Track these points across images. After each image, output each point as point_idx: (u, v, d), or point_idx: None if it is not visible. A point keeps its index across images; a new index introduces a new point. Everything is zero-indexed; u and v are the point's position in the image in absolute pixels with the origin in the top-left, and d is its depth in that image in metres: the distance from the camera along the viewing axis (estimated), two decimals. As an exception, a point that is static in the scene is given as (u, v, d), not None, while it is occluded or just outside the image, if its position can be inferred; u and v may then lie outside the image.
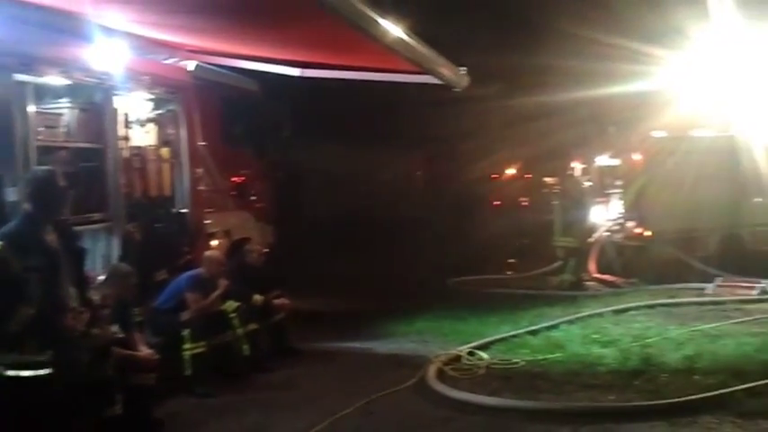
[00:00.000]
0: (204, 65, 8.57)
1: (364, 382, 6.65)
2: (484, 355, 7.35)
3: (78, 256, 4.48)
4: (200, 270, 7.07)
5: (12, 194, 5.34)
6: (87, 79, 6.43)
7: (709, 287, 10.89)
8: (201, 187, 8.32)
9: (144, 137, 7.65)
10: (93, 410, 4.59)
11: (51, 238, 4.13)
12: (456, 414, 5.78)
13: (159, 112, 7.85)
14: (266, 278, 8.09)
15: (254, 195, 10.02)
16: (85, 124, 6.55)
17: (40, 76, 5.87)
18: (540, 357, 7.22)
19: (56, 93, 6.36)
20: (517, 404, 5.84)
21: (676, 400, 5.64)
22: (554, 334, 8.24)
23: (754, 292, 10.38)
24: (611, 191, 13.44)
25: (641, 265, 12.34)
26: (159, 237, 7.51)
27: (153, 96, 7.64)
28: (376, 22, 5.54)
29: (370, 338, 8.65)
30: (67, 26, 5.97)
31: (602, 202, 13.38)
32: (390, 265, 13.93)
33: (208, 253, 7.45)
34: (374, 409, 5.97)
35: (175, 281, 7.02)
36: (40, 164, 5.48)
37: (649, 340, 7.63)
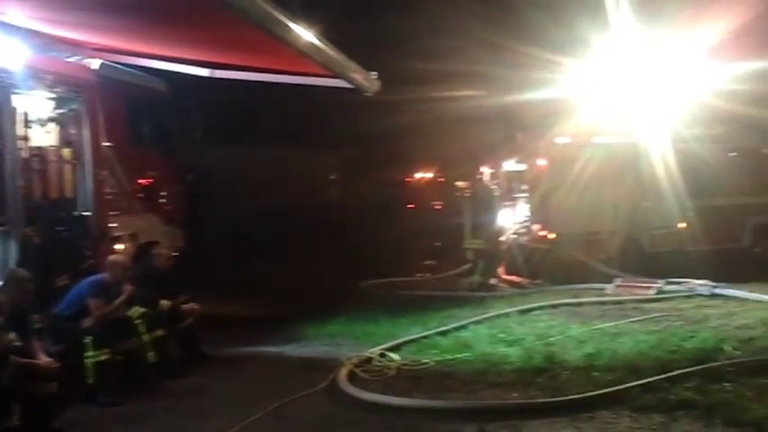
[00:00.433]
0: (109, 63, 8.34)
1: (275, 387, 6.62)
2: (395, 356, 7.44)
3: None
4: (103, 275, 6.86)
5: None
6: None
7: (610, 287, 11.38)
8: (106, 189, 8.09)
9: (45, 137, 7.38)
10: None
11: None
12: (366, 416, 5.83)
13: (61, 111, 7.59)
14: (174, 282, 7.92)
15: (162, 198, 9.80)
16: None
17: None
18: (449, 357, 7.36)
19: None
20: (425, 404, 5.94)
21: (576, 396, 5.86)
22: (463, 334, 8.43)
23: (651, 291, 10.91)
24: (518, 195, 13.92)
25: (546, 266, 12.81)
26: (60, 241, 7.27)
27: (54, 95, 7.38)
28: (287, 26, 5.54)
29: (282, 342, 8.61)
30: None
31: (510, 206, 13.83)
32: (304, 268, 13.89)
33: (112, 257, 7.24)
34: (285, 413, 5.95)
35: (77, 286, 6.79)
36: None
37: (552, 339, 7.90)
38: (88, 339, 6.39)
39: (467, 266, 13.29)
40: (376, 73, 7.22)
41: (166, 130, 9.99)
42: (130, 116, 9.05)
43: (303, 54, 5.94)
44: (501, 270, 13.13)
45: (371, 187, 23.96)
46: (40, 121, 7.25)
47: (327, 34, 6.34)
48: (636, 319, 9.02)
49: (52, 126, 7.48)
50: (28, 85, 6.69)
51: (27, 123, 7.01)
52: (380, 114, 18.05)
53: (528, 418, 5.52)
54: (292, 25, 5.58)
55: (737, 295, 10.24)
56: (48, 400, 5.37)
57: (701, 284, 10.75)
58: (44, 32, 6.67)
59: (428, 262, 15.86)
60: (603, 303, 10.33)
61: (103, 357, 6.40)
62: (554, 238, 13.10)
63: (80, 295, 6.67)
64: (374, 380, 6.76)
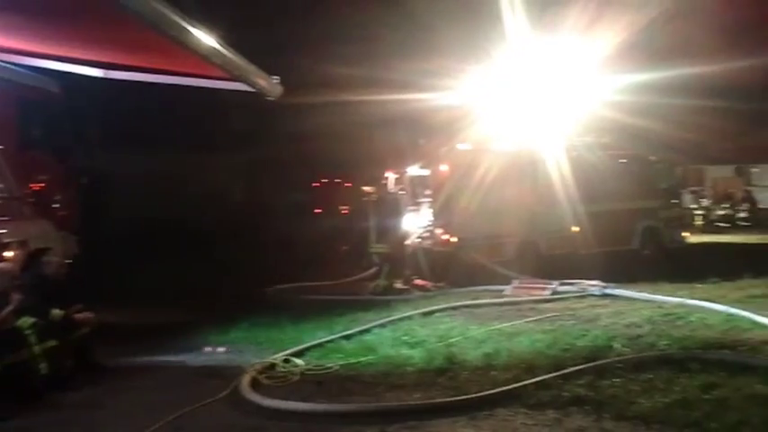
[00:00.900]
0: (-2, 63, 7.94)
1: (175, 397, 6.46)
2: (299, 361, 7.42)
3: None
4: (-11, 284, 6.52)
5: None
6: None
7: (508, 289, 11.78)
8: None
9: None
10: None
11: None
12: (268, 422, 5.79)
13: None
14: (67, 291, 7.61)
15: (55, 203, 9.40)
16: None
17: None
18: (353, 361, 7.41)
19: None
20: (327, 408, 5.97)
21: (475, 395, 6.04)
22: (367, 337, 8.51)
23: (547, 292, 11.38)
24: (422, 200, 14.17)
25: (449, 269, 13.11)
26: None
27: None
28: (186, 29, 5.45)
29: (183, 351, 8.41)
30: None
31: (414, 211, 14.06)
32: (207, 274, 13.63)
33: (-1, 265, 6.89)
34: (183, 423, 5.82)
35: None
36: None
37: (453, 340, 8.10)
38: (-27, 352, 6.06)
39: (372, 270, 13.40)
40: (278, 77, 7.20)
41: (60, 133, 9.58)
42: (21, 118, 8.64)
43: (202, 57, 5.86)
44: (406, 273, 13.32)
45: (278, 191, 23.73)
46: None
47: (232, 38, 6.28)
48: (532, 319, 9.37)
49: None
50: None
51: None
52: (288, 118, 17.99)
53: (429, 419, 5.64)
54: (191, 28, 5.49)
55: (626, 295, 10.83)
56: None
57: (592, 285, 11.30)
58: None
59: (335, 266, 15.88)
60: (502, 304, 10.67)
61: (-10, 370, 6.09)
62: (456, 242, 13.42)
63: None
64: (277, 386, 6.72)
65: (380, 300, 11.61)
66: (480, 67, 15.19)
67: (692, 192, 28.09)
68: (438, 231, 13.67)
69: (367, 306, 10.86)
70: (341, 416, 5.81)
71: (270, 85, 7.14)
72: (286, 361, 7.40)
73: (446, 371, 6.89)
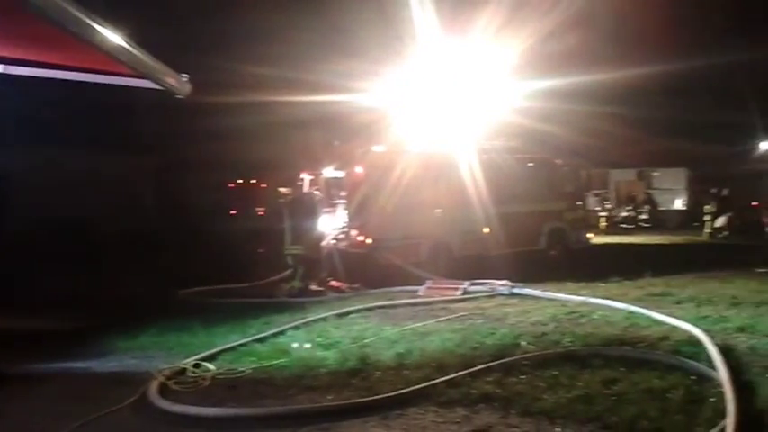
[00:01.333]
0: None
1: (79, 404, 6.24)
2: (210, 366, 7.29)
3: None
4: None
5: None
6: None
7: (421, 289, 11.97)
8: None
9: None
10: None
11: None
12: (176, 429, 5.69)
13: None
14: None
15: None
16: None
17: None
18: (266, 364, 7.35)
19: None
20: (237, 412, 5.90)
21: (387, 395, 6.12)
22: (281, 340, 8.45)
23: (458, 292, 11.64)
24: (337, 201, 14.21)
25: (364, 270, 13.21)
26: None
27: None
28: (92, 27, 5.27)
29: (89, 357, 8.10)
30: None
31: (330, 212, 14.08)
32: (116, 278, 13.19)
33: None
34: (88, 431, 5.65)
35: None
36: None
37: (366, 340, 8.17)
38: None
39: (287, 272, 13.32)
40: (187, 75, 7.05)
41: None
42: None
43: (108, 54, 5.68)
44: (321, 275, 13.31)
45: (193, 192, 23.26)
46: None
47: (142, 35, 6.12)
48: (443, 318, 9.58)
49: None
50: None
51: None
52: (203, 118, 17.68)
53: (341, 419, 5.68)
54: (97, 26, 5.32)
55: (533, 294, 11.22)
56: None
57: (501, 285, 11.64)
58: None
59: (250, 269, 15.67)
60: (414, 305, 10.84)
61: None
62: (371, 244, 13.54)
63: None
64: (187, 391, 6.59)
65: (295, 302, 11.55)
66: (395, 70, 15.39)
67: (596, 194, 29.34)
68: (353, 233, 13.75)
69: (281, 308, 10.78)
70: (252, 420, 5.77)
71: (179, 83, 6.99)
72: (197, 366, 7.26)
73: (359, 371, 6.94)
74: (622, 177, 33.08)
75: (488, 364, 6.83)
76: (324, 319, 9.61)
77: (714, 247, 22.39)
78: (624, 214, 30.59)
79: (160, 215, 20.99)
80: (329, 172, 14.54)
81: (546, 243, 16.59)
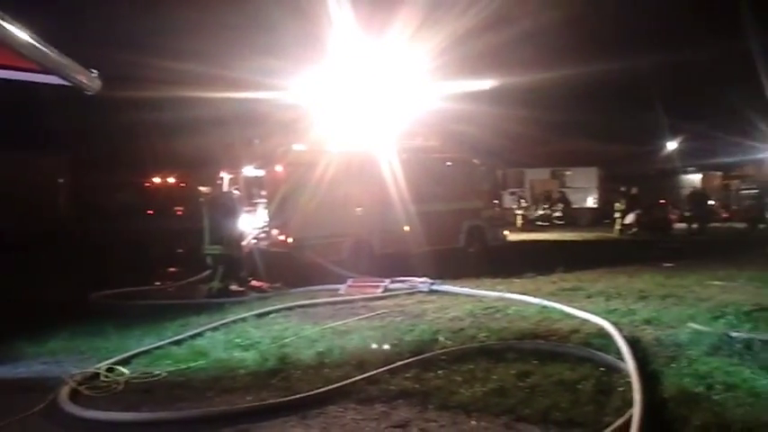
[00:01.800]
0: None
1: (-16, 413, 5.97)
2: (124, 370, 7.10)
3: None
4: None
5: None
6: None
7: (343, 288, 11.99)
8: None
9: None
10: None
11: None
12: (88, 435, 5.54)
13: None
14: None
15: None
16: None
17: None
18: (183, 367, 7.21)
19: None
20: (152, 416, 5.78)
21: (306, 394, 6.12)
22: (198, 342, 8.29)
23: (379, 290, 11.71)
24: (257, 200, 14.07)
25: (285, 270, 13.12)
26: None
27: None
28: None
29: (-6, 364, 7.76)
30: None
31: (250, 211, 13.92)
32: (25, 282, 12.64)
33: None
34: (-8, 441, 5.42)
35: None
36: None
37: (286, 340, 8.12)
38: None
39: (206, 273, 13.09)
40: (96, 71, 6.83)
41: None
42: None
43: (14, 49, 5.47)
44: (242, 275, 13.14)
45: (107, 192, 22.56)
46: None
47: (50, 31, 5.89)
48: (363, 316, 9.62)
49: None
50: None
51: None
52: (118, 114, 17.16)
53: (259, 420, 5.64)
54: (3, 22, 5.10)
55: (451, 291, 11.41)
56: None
57: (421, 282, 11.79)
58: None
59: (168, 269, 15.33)
60: (335, 303, 10.83)
61: None
62: (292, 243, 13.47)
63: None
64: (100, 396, 6.39)
65: (214, 303, 11.35)
66: (315, 68, 15.35)
67: (512, 193, 30.15)
68: (274, 232, 13.65)
69: (199, 310, 10.55)
70: (167, 424, 5.66)
71: (88, 79, 6.77)
72: (110, 370, 7.05)
73: (279, 371, 6.89)
74: (537, 176, 34.13)
75: (407, 361, 6.92)
76: (243, 319, 9.48)
77: (623, 243, 23.42)
78: (540, 212, 31.54)
79: (73, 215, 20.26)
80: (249, 170, 14.38)
81: (465, 241, 16.92)
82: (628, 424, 5.02)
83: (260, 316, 9.75)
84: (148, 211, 24.96)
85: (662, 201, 27.69)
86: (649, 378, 6.11)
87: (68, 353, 8.11)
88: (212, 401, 6.22)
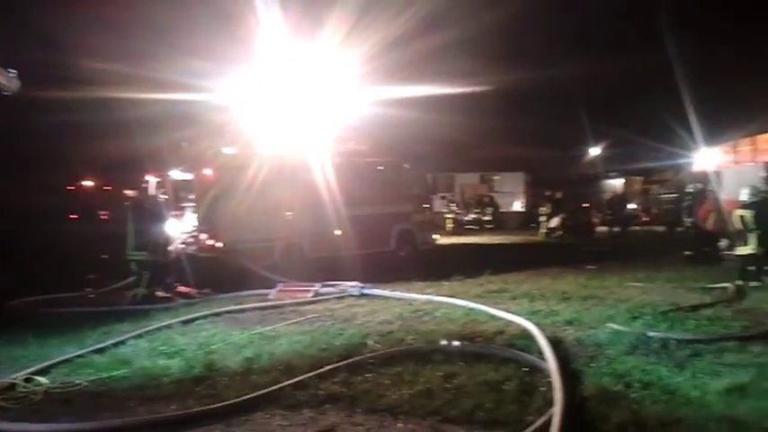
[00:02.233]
0: None
1: None
2: (43, 380, 6.87)
3: None
4: None
5: None
6: None
7: (273, 293, 11.90)
8: None
9: None
10: None
11: None
12: (2, 448, 5.33)
13: None
14: None
15: None
16: None
17: None
18: (105, 376, 7.03)
19: None
20: (69, 428, 5.60)
21: (231, 401, 6.04)
22: (121, 350, 8.10)
23: (309, 294, 11.69)
24: (185, 204, 13.82)
25: (214, 275, 12.92)
26: None
27: None
28: None
29: None
30: None
31: (177, 216, 13.65)
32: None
33: None
34: None
35: None
36: None
37: (213, 347, 8.02)
38: None
39: (131, 279, 12.75)
40: (15, 71, 6.60)
41: None
42: None
43: None
44: (168, 281, 12.88)
45: (26, 195, 21.71)
46: None
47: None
48: (293, 321, 9.58)
49: None
50: None
51: None
52: (37, 115, 16.58)
53: (183, 429, 5.55)
54: None
55: (381, 294, 11.50)
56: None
57: (351, 286, 11.83)
58: None
59: (91, 276, 14.85)
60: (264, 309, 10.75)
61: None
62: (221, 247, 13.28)
63: None
64: (17, 407, 6.16)
65: (139, 309, 11.09)
66: (245, 71, 15.20)
67: (443, 197, 30.58)
68: (202, 236, 13.44)
69: (123, 317, 10.31)
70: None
71: (6, 79, 6.54)
72: (28, 380, 6.81)
73: (205, 379, 6.80)
74: (467, 181, 34.72)
75: (336, 365, 6.93)
76: (168, 326, 9.31)
77: (549, 245, 24.03)
78: (471, 216, 32.05)
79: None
80: (177, 174, 14.11)
81: (395, 244, 17.04)
82: (549, 423, 5.16)
83: (186, 322, 9.60)
84: (71, 216, 24.18)
85: (585, 205, 28.55)
86: (570, 377, 6.29)
87: (-17, 363, 7.78)
88: (135, 411, 6.07)
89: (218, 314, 10.19)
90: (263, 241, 13.99)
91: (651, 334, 7.79)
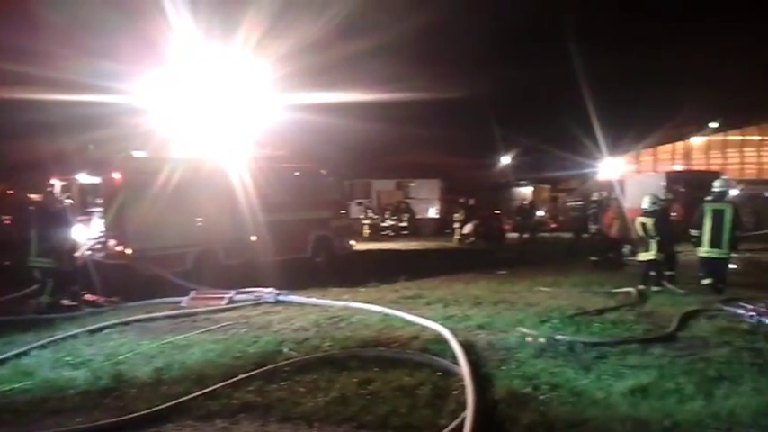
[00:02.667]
0: None
1: None
2: (-65, 395, 6.49)
3: None
4: None
5: None
6: None
7: (185, 300, 11.62)
8: None
9: None
10: None
11: None
12: None
13: None
14: None
15: None
16: None
17: None
18: (6, 388, 6.71)
19: None
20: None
21: (140, 413, 5.88)
22: (24, 361, 7.76)
23: (223, 302, 11.48)
24: (92, 209, 13.33)
25: (123, 282, 12.49)
26: None
27: None
28: None
29: None
30: None
31: (84, 221, 13.14)
32: None
33: None
34: None
35: None
36: None
37: (122, 357, 7.78)
38: None
39: (35, 287, 12.17)
40: None
41: None
42: None
43: None
44: (74, 289, 12.36)
45: None
46: None
47: None
48: (206, 329, 9.38)
49: None
50: None
51: None
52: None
53: (90, 443, 5.37)
54: None
55: (297, 301, 11.43)
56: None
57: (267, 293, 11.70)
58: None
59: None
60: (176, 317, 10.47)
61: None
62: (131, 254, 12.86)
63: None
64: None
65: (43, 318, 10.59)
66: (160, 73, 14.85)
67: (359, 203, 30.71)
68: (111, 243, 12.97)
69: (26, 326, 9.84)
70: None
71: None
72: None
73: (113, 390, 6.59)
74: (383, 187, 34.99)
75: (250, 373, 6.85)
76: (74, 336, 8.95)
77: (462, 251, 24.50)
78: (388, 222, 32.29)
79: None
80: (83, 177, 13.58)
81: (312, 250, 16.99)
82: (461, 426, 5.27)
83: (93, 332, 9.26)
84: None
85: (497, 211, 29.26)
86: (482, 381, 6.45)
87: None
88: (39, 424, 5.83)
89: (126, 323, 9.85)
90: (176, 247, 13.65)
91: (558, 337, 8.06)
